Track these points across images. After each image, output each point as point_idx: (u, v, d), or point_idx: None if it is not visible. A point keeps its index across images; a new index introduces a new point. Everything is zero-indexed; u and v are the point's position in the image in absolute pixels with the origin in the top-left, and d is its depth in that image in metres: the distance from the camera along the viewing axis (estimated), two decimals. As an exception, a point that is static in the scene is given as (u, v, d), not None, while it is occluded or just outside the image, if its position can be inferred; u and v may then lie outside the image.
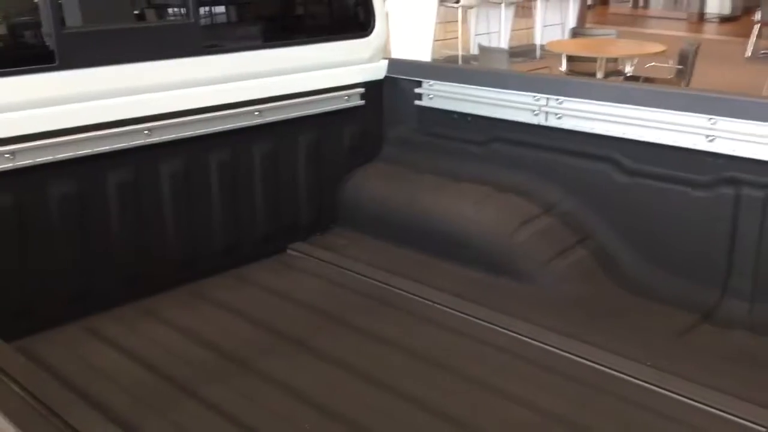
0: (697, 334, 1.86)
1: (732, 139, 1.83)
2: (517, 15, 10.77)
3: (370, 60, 2.48)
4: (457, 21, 9.56)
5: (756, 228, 1.86)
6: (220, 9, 2.28)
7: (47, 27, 1.80)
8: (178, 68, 2.04)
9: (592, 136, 2.08)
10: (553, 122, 2.15)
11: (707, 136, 1.86)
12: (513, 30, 10.50)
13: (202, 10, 2.10)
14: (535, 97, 2.17)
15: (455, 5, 9.62)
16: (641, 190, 2.03)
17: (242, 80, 2.17)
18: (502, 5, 10.31)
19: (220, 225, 2.21)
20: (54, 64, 1.81)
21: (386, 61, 2.51)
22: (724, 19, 15.47)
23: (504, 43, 9.93)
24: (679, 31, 12.33)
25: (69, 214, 1.89)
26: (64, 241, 1.89)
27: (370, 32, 2.46)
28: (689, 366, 1.68)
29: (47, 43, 1.81)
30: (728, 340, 1.82)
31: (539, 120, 2.17)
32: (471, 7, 9.90)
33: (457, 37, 9.52)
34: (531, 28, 11.01)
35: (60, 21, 1.81)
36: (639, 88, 2.22)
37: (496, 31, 10.14)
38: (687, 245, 1.98)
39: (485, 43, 8.25)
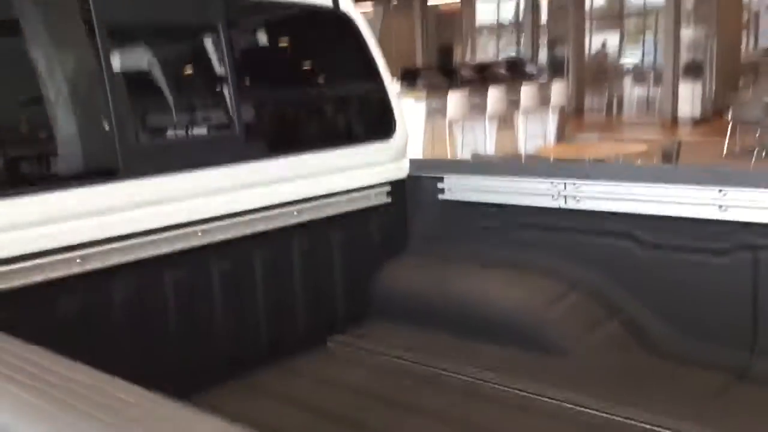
0: (732, 394, 1.95)
1: (742, 207, 2.00)
2: (499, 128, 11.30)
3: (394, 160, 2.67)
4: (443, 136, 10.00)
5: None
6: (264, 119, 2.48)
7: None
8: (225, 175, 2.21)
9: (611, 215, 2.25)
10: (572, 205, 2.32)
11: (720, 206, 2.03)
12: (497, 141, 10.96)
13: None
14: (552, 182, 2.35)
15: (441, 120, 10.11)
16: (663, 262, 2.18)
17: (281, 183, 2.34)
18: (486, 118, 10.82)
19: (264, 320, 2.31)
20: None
21: (408, 160, 2.70)
22: (696, 122, 16.17)
23: (490, 153, 10.34)
24: (655, 135, 12.86)
25: (130, 312, 1.99)
26: (126, 337, 1.98)
27: (393, 135, 2.67)
28: (729, 422, 1.77)
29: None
30: (762, 397, 1.91)
31: (559, 204, 2.34)
32: (457, 122, 10.38)
33: (445, 149, 9.91)
34: (514, 140, 11.49)
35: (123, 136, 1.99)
36: (651, 167, 2.41)
37: (481, 142, 10.57)
38: (712, 311, 2.11)
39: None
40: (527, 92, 11.35)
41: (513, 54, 20.96)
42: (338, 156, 2.52)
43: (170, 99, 2.38)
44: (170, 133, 2.27)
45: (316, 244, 2.45)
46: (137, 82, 2.28)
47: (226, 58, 2.23)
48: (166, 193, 2.06)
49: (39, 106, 1.88)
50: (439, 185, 2.62)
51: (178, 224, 2.07)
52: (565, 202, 2.33)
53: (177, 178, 2.09)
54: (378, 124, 2.68)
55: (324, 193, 2.44)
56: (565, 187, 2.33)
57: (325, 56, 2.71)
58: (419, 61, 19.65)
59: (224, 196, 2.19)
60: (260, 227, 2.27)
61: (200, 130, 2.37)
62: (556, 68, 19.74)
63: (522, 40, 20.44)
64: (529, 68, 13.65)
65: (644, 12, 21.07)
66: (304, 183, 2.40)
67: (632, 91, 21.16)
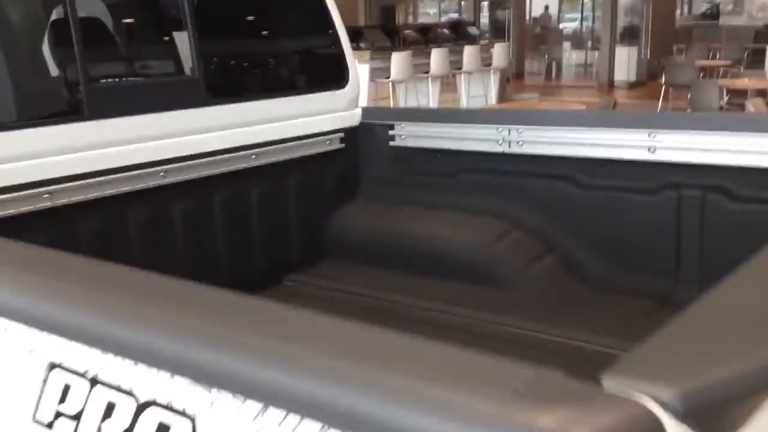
0: (656, 317, 2.17)
1: (669, 148, 2.19)
2: (442, 89, 11.46)
3: (347, 108, 2.78)
4: (387, 96, 10.11)
5: (697, 223, 2.20)
6: (223, 65, 2.55)
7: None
8: (186, 118, 2.29)
9: (550, 159, 2.42)
10: (515, 149, 2.48)
11: (649, 149, 2.22)
12: (440, 102, 11.13)
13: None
14: (497, 128, 2.50)
15: (385, 80, 10.20)
16: (598, 202, 2.37)
17: (240, 127, 2.43)
18: (429, 79, 10.95)
19: (223, 258, 2.42)
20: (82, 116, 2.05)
21: (360, 109, 2.82)
22: (631, 85, 16.65)
23: (434, 114, 10.45)
24: (593, 98, 13.21)
25: (93, 249, 2.08)
26: None
27: (346, 85, 2.77)
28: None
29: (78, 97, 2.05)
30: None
31: (503, 149, 2.50)
32: (400, 82, 10.49)
33: (390, 110, 10.00)
34: (456, 100, 11.67)
35: (88, 77, 2.05)
36: (587, 113, 2.59)
37: (424, 103, 10.71)
38: (642, 245, 2.31)
39: (418, 113, 8.72)
40: (469, 54, 11.52)
41: (455, 16, 21.07)
42: (293, 103, 2.62)
43: (135, 47, 2.45)
44: (134, 78, 2.33)
45: (273, 187, 2.55)
46: (104, 29, 2.34)
47: (187, 8, 2.30)
48: (130, 134, 2.14)
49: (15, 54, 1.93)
50: (390, 132, 2.75)
51: (140, 164, 2.15)
52: (509, 146, 2.49)
53: (140, 119, 2.16)
54: (332, 74, 2.78)
55: (279, 138, 2.54)
56: (509, 133, 2.49)
57: (283, 10, 2.79)
58: (361, 20, 19.52)
59: (185, 138, 2.27)
60: (219, 169, 2.36)
61: (162, 77, 2.43)
62: (497, 32, 19.95)
63: (463, 3, 20.53)
64: (472, 30, 13.84)
65: (583, -24, 21.41)
66: (261, 128, 2.49)
67: (571, 56, 21.56)
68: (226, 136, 2.38)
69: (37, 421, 0.89)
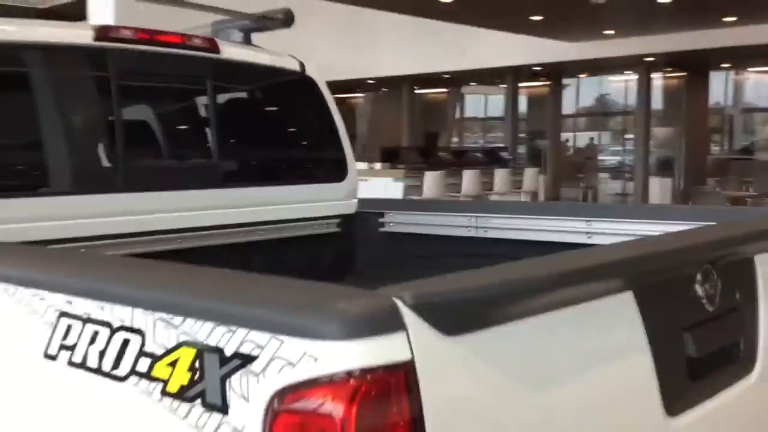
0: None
1: (604, 234, 2.57)
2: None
3: (345, 198, 3.24)
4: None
5: None
6: (239, 158, 3.07)
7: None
8: (205, 197, 2.76)
9: (507, 241, 2.81)
10: (482, 234, 2.88)
11: (587, 234, 2.60)
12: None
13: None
14: (467, 216, 2.92)
15: (417, 198, 10.76)
16: None
17: (253, 207, 2.89)
18: (460, 199, 11.50)
19: None
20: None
21: (357, 200, 3.27)
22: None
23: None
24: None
25: None
26: None
27: (345, 178, 3.25)
28: None
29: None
30: None
31: (472, 234, 2.91)
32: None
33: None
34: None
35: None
36: (535, 203, 2.99)
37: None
38: None
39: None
40: (500, 176, 12.10)
41: (494, 144, 21.93)
42: (298, 190, 3.08)
43: (168, 141, 2.98)
44: (167, 164, 2.85)
45: (275, 261, 2.98)
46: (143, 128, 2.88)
47: (211, 110, 2.84)
48: (156, 205, 2.61)
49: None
50: (380, 220, 3.19)
51: (162, 230, 2.61)
52: (476, 232, 2.90)
53: (166, 194, 2.64)
54: (334, 169, 3.26)
55: (284, 218, 2.99)
56: (476, 221, 2.90)
57: (293, 114, 3.32)
58: (404, 143, 20.49)
59: (202, 213, 2.74)
60: (229, 240, 2.81)
61: (190, 164, 2.95)
62: (534, 160, 20.67)
63: (503, 132, 21.43)
64: (504, 155, 14.49)
65: (622, 111, 22.21)
66: (271, 209, 2.95)
67: (608, 185, 22.08)
68: (237, 213, 2.84)
69: (47, 356, 1.29)
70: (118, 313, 1.18)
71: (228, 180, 2.89)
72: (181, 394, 1.06)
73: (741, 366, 1.64)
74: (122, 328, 1.17)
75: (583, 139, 24.16)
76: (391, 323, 0.95)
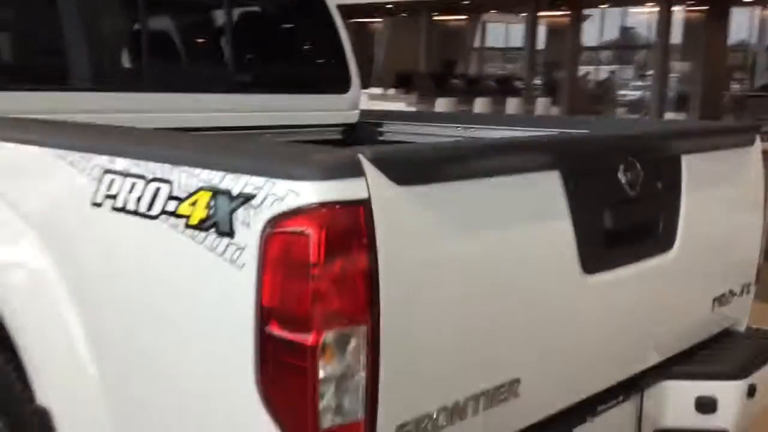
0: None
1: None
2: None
3: (348, 109, 3.55)
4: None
5: None
6: (254, 64, 3.38)
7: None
8: (220, 100, 3.08)
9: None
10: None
11: None
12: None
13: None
14: (456, 128, 3.23)
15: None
16: None
17: (262, 112, 3.21)
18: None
19: None
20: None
21: (359, 111, 3.59)
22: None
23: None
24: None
25: None
26: None
27: (349, 90, 3.56)
28: None
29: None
30: None
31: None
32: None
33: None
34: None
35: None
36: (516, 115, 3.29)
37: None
38: None
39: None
40: (511, 104, 12.30)
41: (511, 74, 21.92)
42: (307, 99, 3.40)
43: (188, 48, 3.29)
44: (186, 68, 3.17)
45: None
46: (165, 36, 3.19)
47: (226, 21, 3.14)
48: (176, 105, 2.93)
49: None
50: (379, 129, 3.50)
51: (179, 128, 2.94)
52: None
53: (186, 95, 2.97)
54: (339, 81, 3.56)
55: (292, 123, 3.32)
56: (464, 131, 3.21)
57: (302, 27, 3.61)
58: (421, 68, 20.53)
59: (216, 114, 3.06)
60: None
61: (207, 70, 3.27)
62: (551, 91, 20.67)
63: (519, 62, 21.40)
64: (518, 85, 14.62)
65: (642, 45, 22.02)
66: (280, 114, 3.27)
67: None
68: (250, 117, 3.16)
69: (94, 204, 1.64)
70: (151, 168, 1.53)
71: (241, 86, 3.21)
72: (200, 226, 1.41)
73: (660, 243, 1.98)
74: (154, 179, 1.52)
75: (602, 72, 24.02)
76: (354, 170, 1.29)
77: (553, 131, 2.69)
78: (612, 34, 25.31)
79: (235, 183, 1.37)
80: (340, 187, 1.28)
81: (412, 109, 11.21)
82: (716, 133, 2.41)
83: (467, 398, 1.51)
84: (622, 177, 1.82)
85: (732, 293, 2.33)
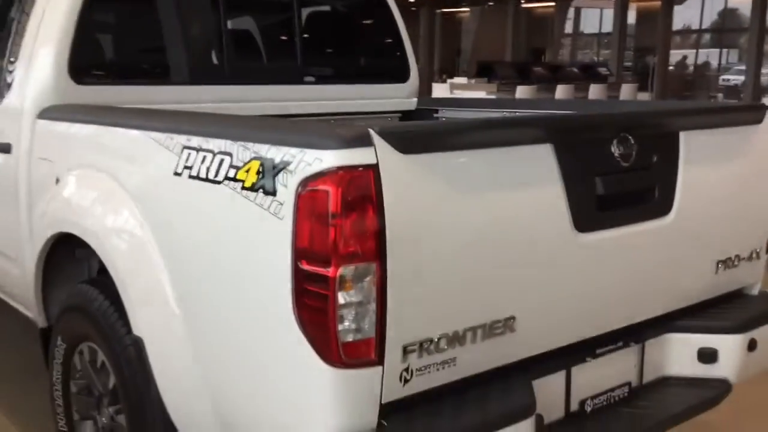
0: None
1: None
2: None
3: (408, 96, 3.92)
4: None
5: None
6: (322, 58, 3.79)
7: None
8: (287, 91, 3.50)
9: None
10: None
11: None
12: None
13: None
14: (505, 111, 3.53)
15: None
16: None
17: (329, 100, 3.62)
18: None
19: None
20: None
21: (416, 99, 3.94)
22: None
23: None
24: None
25: None
26: None
27: (408, 80, 3.92)
28: None
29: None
30: None
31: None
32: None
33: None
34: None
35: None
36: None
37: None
38: None
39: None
40: (594, 91, 12.29)
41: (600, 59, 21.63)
42: (370, 89, 3.78)
43: (263, 45, 3.74)
44: (262, 64, 3.62)
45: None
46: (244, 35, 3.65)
47: (296, 20, 3.56)
48: (254, 96, 3.37)
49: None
50: (435, 115, 3.85)
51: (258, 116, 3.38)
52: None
53: (263, 87, 3.40)
54: (399, 72, 3.94)
55: (357, 110, 3.71)
56: (513, 114, 3.51)
57: (365, 23, 4.00)
58: (508, 58, 20.56)
59: (288, 104, 3.49)
60: None
61: (280, 63, 3.71)
62: (642, 77, 20.30)
63: (610, 48, 21.08)
64: (602, 71, 14.51)
65: (735, 29, 21.28)
66: (345, 103, 3.67)
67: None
68: (319, 105, 3.58)
69: (176, 173, 2.08)
70: (218, 144, 1.95)
71: (311, 78, 3.63)
72: (252, 187, 1.81)
73: (656, 209, 2.25)
74: (220, 152, 1.94)
75: (703, 56, 23.26)
76: (365, 141, 1.66)
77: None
78: (712, 16, 24.45)
79: (277, 153, 1.76)
80: (354, 155, 1.65)
81: (492, 97, 11.45)
82: (717, 112, 2.63)
83: (466, 329, 1.85)
84: (615, 150, 2.11)
85: (739, 258, 2.56)
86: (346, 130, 1.70)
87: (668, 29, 19.74)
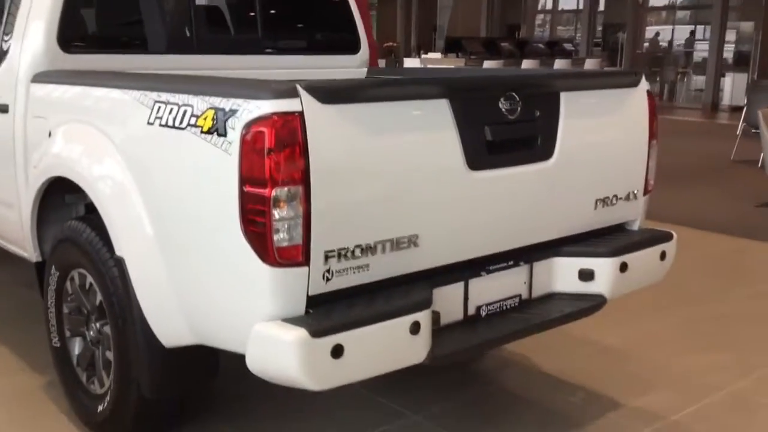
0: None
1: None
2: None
3: (359, 66, 4.43)
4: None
5: None
6: (276, 34, 4.28)
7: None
8: (249, 60, 4.00)
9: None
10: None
11: None
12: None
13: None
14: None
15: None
16: None
17: (285, 69, 4.11)
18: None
19: None
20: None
21: (367, 69, 4.45)
22: (734, 109, 17.11)
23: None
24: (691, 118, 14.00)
25: None
26: None
27: (358, 51, 4.43)
28: None
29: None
30: None
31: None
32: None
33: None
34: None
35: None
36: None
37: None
38: None
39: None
40: (559, 65, 12.82)
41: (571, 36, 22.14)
42: (323, 59, 4.29)
43: (230, 18, 4.22)
44: (226, 35, 4.11)
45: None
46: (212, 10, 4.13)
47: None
48: (217, 65, 3.86)
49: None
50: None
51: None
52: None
53: (224, 57, 3.90)
54: (351, 45, 4.44)
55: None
56: (444, 82, 4.03)
57: (320, 5, 4.48)
58: (483, 33, 21.01)
59: (247, 71, 3.97)
60: None
61: (243, 36, 4.20)
62: (612, 54, 20.84)
63: (579, 25, 21.59)
64: (567, 47, 15.05)
65: (699, 5, 21.82)
66: (300, 71, 4.16)
67: (684, 80, 22.00)
68: (276, 74, 4.07)
69: (149, 123, 2.58)
70: (182, 98, 2.46)
71: (270, 49, 4.12)
72: (209, 131, 2.33)
73: (539, 154, 2.79)
74: (184, 104, 2.45)
75: (678, 32, 23.75)
76: (293, 93, 2.18)
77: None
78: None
79: (227, 104, 2.28)
80: (285, 104, 2.18)
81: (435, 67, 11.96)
82: (596, 76, 3.17)
83: (376, 242, 2.39)
84: (502, 105, 2.65)
85: (617, 197, 3.11)
86: (278, 84, 2.22)
87: (638, 5, 20.28)
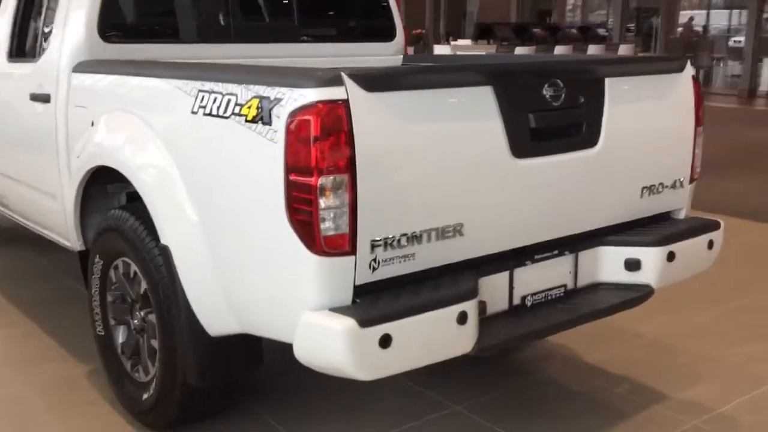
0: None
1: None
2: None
3: (394, 54, 4.40)
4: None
5: None
6: (316, 20, 4.27)
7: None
8: (285, 48, 3.99)
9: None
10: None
11: None
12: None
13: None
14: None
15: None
16: None
17: (322, 57, 4.10)
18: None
19: None
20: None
21: (402, 56, 4.42)
22: None
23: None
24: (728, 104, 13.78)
25: None
26: None
27: (394, 39, 4.39)
28: None
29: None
30: None
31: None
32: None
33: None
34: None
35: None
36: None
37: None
38: None
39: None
40: (592, 51, 12.64)
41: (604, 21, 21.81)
42: (359, 47, 4.26)
43: (265, 7, 4.21)
44: (263, 24, 4.10)
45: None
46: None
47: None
48: (257, 53, 3.86)
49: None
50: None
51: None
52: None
53: (264, 45, 3.89)
54: (387, 32, 4.41)
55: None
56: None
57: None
58: (513, 18, 20.79)
59: (287, 59, 3.97)
60: None
61: (279, 24, 4.19)
62: (645, 37, 20.51)
63: (611, 10, 21.26)
64: (601, 32, 14.83)
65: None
66: (336, 59, 4.14)
67: (722, 66, 21.58)
68: (313, 62, 4.06)
69: (192, 112, 2.58)
70: (226, 87, 2.45)
71: (306, 37, 4.11)
72: (253, 119, 2.32)
73: (585, 141, 2.75)
74: (228, 93, 2.44)
75: (699, 18, 23.32)
76: (338, 81, 2.16)
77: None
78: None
79: (272, 92, 2.27)
80: (329, 92, 2.16)
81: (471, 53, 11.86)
82: (640, 62, 3.10)
83: (422, 230, 2.37)
84: (546, 92, 2.60)
85: (663, 185, 3.06)
86: (323, 72, 2.20)
87: (671, -9, 19.92)
